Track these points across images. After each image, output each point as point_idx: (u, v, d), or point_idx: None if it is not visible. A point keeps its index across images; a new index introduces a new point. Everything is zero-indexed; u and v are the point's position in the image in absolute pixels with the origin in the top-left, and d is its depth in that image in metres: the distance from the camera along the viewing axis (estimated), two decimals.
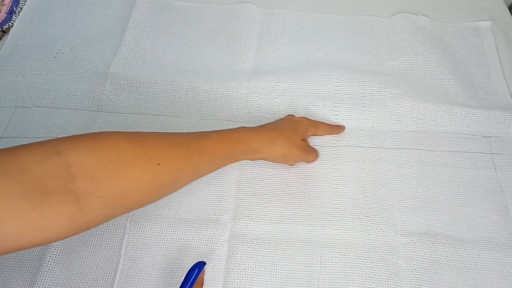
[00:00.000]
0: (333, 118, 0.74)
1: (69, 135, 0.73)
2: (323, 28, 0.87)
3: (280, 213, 0.65)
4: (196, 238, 0.63)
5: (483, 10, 0.91)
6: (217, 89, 0.76)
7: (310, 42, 0.85)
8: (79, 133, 0.71)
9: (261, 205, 0.66)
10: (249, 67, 0.81)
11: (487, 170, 0.69)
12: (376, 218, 0.64)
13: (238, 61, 0.82)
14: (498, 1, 0.94)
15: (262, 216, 0.65)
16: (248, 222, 0.64)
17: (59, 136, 0.71)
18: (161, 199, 0.65)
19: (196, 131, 0.72)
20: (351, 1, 0.93)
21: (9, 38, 0.85)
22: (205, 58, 0.83)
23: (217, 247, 0.62)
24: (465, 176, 0.69)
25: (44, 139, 0.71)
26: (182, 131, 0.72)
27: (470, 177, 0.69)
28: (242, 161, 0.69)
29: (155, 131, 0.72)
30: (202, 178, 0.67)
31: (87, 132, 0.69)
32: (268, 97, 0.75)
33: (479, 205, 0.66)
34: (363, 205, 0.66)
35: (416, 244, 0.62)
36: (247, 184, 0.68)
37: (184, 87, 0.76)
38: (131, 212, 0.64)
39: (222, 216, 0.65)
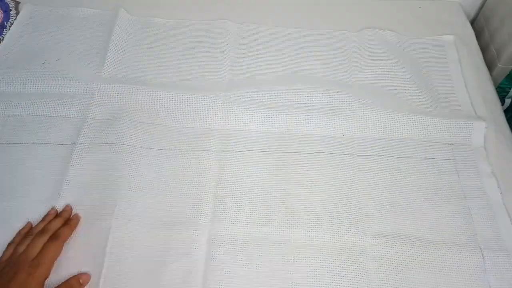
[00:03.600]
0: (304, 126, 0.76)
1: (59, 140, 0.73)
2: (295, 41, 0.89)
3: (256, 216, 0.66)
4: (175, 239, 0.64)
5: (447, 24, 0.94)
6: (195, 99, 0.77)
7: (283, 55, 0.87)
8: (68, 139, 0.73)
9: (239, 208, 0.67)
10: (226, 79, 0.83)
11: (450, 175, 0.71)
12: (346, 221, 0.66)
13: (215, 73, 0.83)
14: (461, 15, 0.97)
15: (239, 219, 0.66)
16: (226, 224, 0.65)
17: (50, 143, 0.74)
18: (145, 202, 0.67)
19: (176, 137, 0.74)
20: (321, 16, 0.95)
21: None
22: (184, 70, 0.84)
23: (196, 248, 0.63)
24: (430, 181, 0.71)
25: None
26: (163, 137, 0.74)
27: (434, 182, 0.71)
28: (222, 164, 0.71)
29: (137, 137, 0.74)
30: (181, 181, 0.69)
31: (77, 138, 0.73)
32: (243, 106, 0.77)
33: (443, 208, 0.68)
34: (334, 208, 0.67)
35: (384, 245, 0.64)
36: (225, 188, 0.69)
37: (165, 97, 0.78)
38: (115, 212, 0.65)
39: (200, 218, 0.66)
